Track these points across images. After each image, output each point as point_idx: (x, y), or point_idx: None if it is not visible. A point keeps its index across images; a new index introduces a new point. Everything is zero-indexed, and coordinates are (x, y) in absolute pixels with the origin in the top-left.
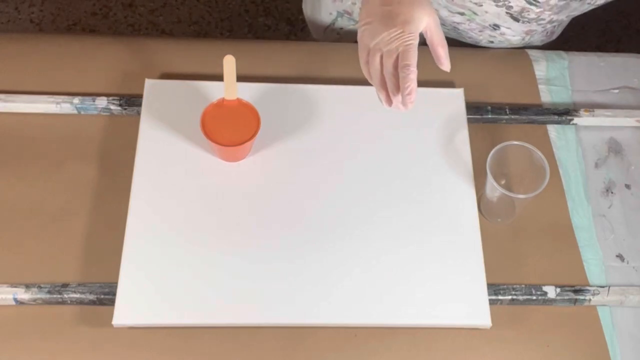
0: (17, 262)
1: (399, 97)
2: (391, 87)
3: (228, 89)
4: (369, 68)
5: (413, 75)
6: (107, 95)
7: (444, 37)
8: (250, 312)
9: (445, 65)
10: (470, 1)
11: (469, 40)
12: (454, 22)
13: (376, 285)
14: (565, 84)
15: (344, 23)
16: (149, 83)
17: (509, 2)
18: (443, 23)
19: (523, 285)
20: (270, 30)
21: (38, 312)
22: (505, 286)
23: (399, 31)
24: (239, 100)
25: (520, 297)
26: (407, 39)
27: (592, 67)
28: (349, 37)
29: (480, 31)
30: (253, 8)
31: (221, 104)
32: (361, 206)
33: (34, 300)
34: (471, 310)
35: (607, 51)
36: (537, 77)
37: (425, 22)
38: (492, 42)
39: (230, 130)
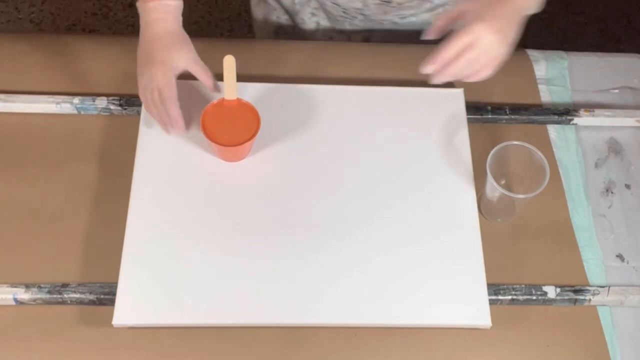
0: (17, 262)
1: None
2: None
3: (228, 89)
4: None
5: (173, 107)
6: (107, 95)
7: (206, 69)
8: (250, 312)
9: (212, 88)
10: None
11: (413, 25)
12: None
13: (376, 285)
14: (565, 84)
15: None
16: None
17: None
18: (381, 21)
19: (523, 285)
20: None
21: (38, 312)
22: (505, 286)
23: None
24: (239, 101)
25: (520, 297)
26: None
27: (592, 67)
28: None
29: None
30: None
31: (221, 104)
32: (361, 206)
33: (34, 300)
34: (471, 310)
35: (607, 51)
36: (537, 77)
37: (184, 62)
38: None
39: (230, 130)
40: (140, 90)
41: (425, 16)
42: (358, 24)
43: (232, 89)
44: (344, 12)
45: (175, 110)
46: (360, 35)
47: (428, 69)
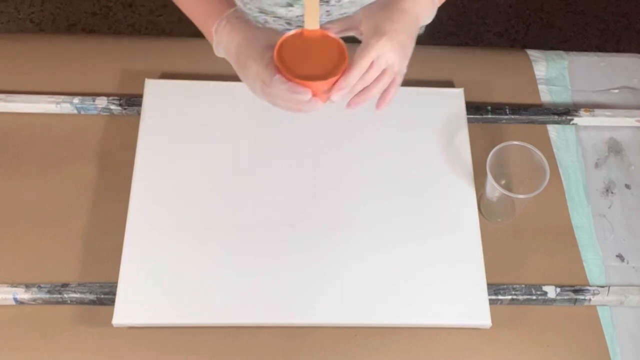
0: (17, 262)
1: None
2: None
3: (309, 17)
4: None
5: (279, 85)
6: (107, 95)
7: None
8: (250, 312)
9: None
10: None
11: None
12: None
13: (376, 285)
14: (565, 84)
15: None
16: (149, 83)
17: None
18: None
19: (523, 285)
20: None
21: (38, 312)
22: (505, 286)
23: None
24: (322, 32)
25: (520, 297)
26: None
27: (592, 67)
28: None
29: None
30: None
31: (301, 35)
32: (362, 206)
33: (34, 300)
34: (471, 310)
35: (607, 51)
36: (537, 77)
37: (264, 42)
38: None
39: (310, 64)
40: (259, 96)
41: None
42: None
43: (314, 18)
44: (287, 24)
45: (282, 85)
46: None
47: (336, 96)
